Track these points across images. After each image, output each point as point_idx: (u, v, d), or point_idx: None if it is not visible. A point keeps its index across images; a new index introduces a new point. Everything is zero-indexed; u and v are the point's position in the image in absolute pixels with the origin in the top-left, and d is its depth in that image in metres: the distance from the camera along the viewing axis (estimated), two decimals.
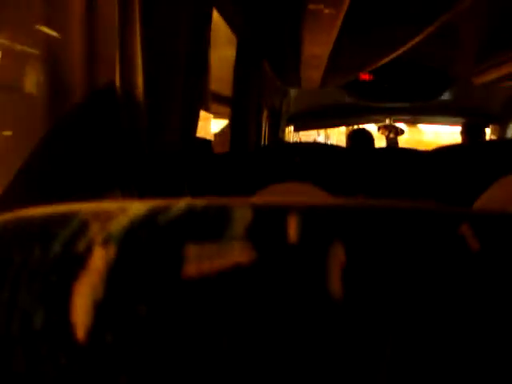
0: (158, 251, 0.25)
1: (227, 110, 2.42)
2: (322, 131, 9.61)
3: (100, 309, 0.24)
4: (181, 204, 0.27)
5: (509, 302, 0.23)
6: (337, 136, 8.96)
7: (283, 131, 4.62)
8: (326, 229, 0.24)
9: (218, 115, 2.61)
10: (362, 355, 0.22)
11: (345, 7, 1.67)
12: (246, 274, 0.23)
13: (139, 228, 0.26)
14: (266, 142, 3.78)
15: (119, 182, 1.05)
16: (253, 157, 1.29)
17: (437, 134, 7.54)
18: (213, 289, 0.23)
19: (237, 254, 0.23)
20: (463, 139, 3.47)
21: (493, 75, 3.30)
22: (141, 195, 1.06)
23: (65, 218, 0.27)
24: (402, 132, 4.69)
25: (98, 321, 0.24)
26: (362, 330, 0.22)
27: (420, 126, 7.67)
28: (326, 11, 1.68)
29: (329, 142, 8.24)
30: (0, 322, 0.24)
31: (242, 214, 0.26)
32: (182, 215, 0.26)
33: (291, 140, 5.62)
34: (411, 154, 2.22)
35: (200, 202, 0.27)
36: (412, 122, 5.91)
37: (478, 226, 0.25)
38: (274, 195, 1.18)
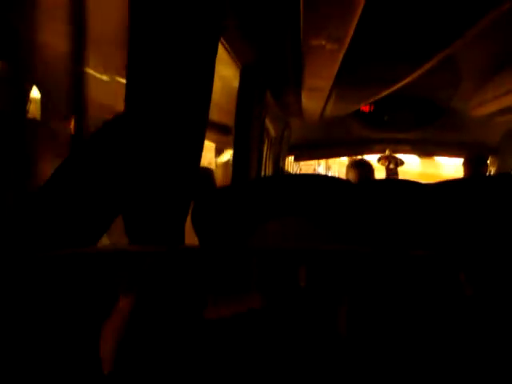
0: (182, 297, 0.26)
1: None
2: (322, 162, 9.62)
3: (123, 346, 0.25)
4: (198, 251, 0.29)
5: (500, 338, 0.24)
6: (338, 167, 8.91)
7: (284, 161, 4.65)
8: (331, 276, 0.26)
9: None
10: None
11: (346, 43, 1.70)
12: (260, 317, 0.25)
13: (161, 274, 0.27)
14: (267, 172, 3.80)
15: (123, 212, 1.06)
16: (252, 190, 1.30)
17: (457, 167, 6.24)
18: (230, 330, 0.25)
19: (250, 300, 0.25)
20: (465, 171, 3.48)
21: (491, 108, 3.33)
22: (145, 227, 1.07)
23: (97, 259, 0.29)
24: (401, 163, 4.72)
25: (121, 358, 0.25)
26: (363, 363, 0.24)
27: (437, 158, 7.16)
28: (328, 46, 1.72)
29: (329, 173, 8.22)
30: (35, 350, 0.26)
31: (254, 262, 0.27)
32: (200, 265, 0.28)
33: (292, 170, 5.65)
34: (411, 185, 2.23)
35: (215, 249, 0.29)
36: (427, 155, 5.72)
37: (473, 273, 0.27)
38: (275, 232, 1.19)
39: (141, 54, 1.03)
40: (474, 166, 3.43)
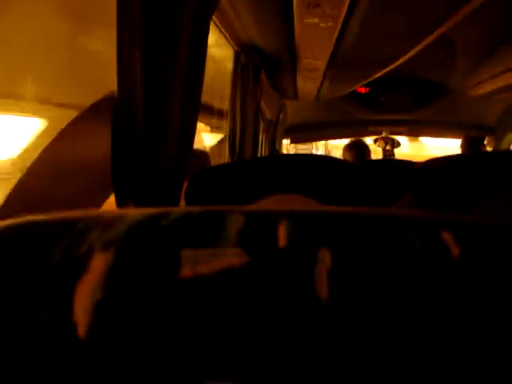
0: (156, 255, 0.26)
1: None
2: (320, 145, 9.59)
3: (99, 308, 0.25)
4: (177, 211, 0.28)
5: (486, 308, 0.24)
6: (338, 152, 8.88)
7: (280, 143, 4.64)
8: (313, 234, 0.26)
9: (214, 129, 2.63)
10: (346, 351, 0.23)
11: (340, 21, 1.69)
12: (238, 275, 0.24)
13: (137, 234, 0.27)
14: (263, 154, 3.80)
15: (116, 190, 1.06)
16: (249, 168, 1.30)
17: (442, 149, 6.58)
18: (207, 288, 0.24)
19: (229, 257, 0.25)
20: (463, 152, 3.49)
21: (488, 87, 3.32)
22: (137, 205, 1.06)
23: (67, 225, 0.29)
24: (398, 144, 4.71)
25: (97, 320, 0.25)
26: (345, 330, 0.23)
27: (423, 139, 7.19)
28: (322, 25, 1.70)
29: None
30: (6, 321, 0.25)
31: (234, 220, 0.27)
32: (179, 221, 0.27)
33: (290, 152, 5.64)
34: (407, 164, 2.23)
35: (195, 210, 0.28)
36: (414, 136, 5.82)
37: (460, 234, 0.26)
38: (268, 205, 1.19)
39: (130, 34, 1.02)
40: (471, 147, 3.44)
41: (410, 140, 7.19)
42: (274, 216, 0.27)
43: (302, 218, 0.27)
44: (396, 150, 4.77)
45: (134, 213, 0.29)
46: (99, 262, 0.26)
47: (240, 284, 0.24)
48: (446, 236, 0.26)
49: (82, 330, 0.25)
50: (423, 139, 7.04)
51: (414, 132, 5.14)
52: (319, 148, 9.59)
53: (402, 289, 0.24)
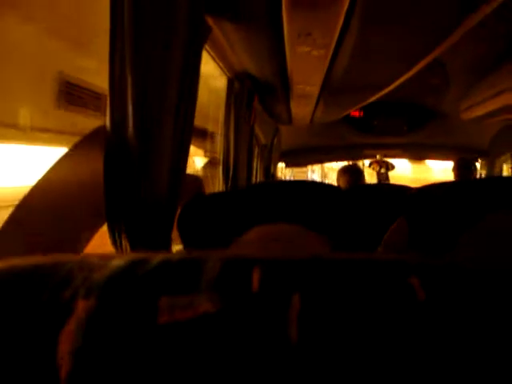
0: (135, 302, 0.26)
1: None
2: (316, 168, 9.61)
3: (79, 354, 0.25)
4: (158, 257, 0.29)
5: (449, 346, 0.24)
6: (335, 175, 8.84)
7: (275, 167, 4.66)
8: (284, 280, 0.26)
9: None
10: None
11: (331, 48, 1.71)
12: (214, 320, 0.25)
13: (118, 280, 0.28)
14: (258, 179, 3.81)
15: (109, 219, 1.06)
16: (240, 196, 1.31)
17: (447, 172, 5.87)
18: (184, 333, 0.24)
19: (204, 303, 0.25)
20: (455, 175, 3.51)
21: (480, 110, 3.35)
22: (130, 232, 1.06)
23: (53, 269, 0.29)
24: (392, 167, 4.74)
25: (76, 364, 0.25)
26: (313, 370, 0.24)
27: (428, 162, 6.98)
28: (314, 53, 1.72)
29: (326, 181, 8.20)
30: None
31: (211, 266, 0.28)
32: (158, 269, 0.28)
33: (285, 177, 5.66)
34: (400, 190, 2.24)
35: (175, 256, 0.29)
36: (408, 158, 5.77)
37: (425, 278, 0.27)
38: (260, 237, 1.19)
39: (122, 63, 1.03)
40: (463, 170, 3.46)
41: (414, 162, 7.08)
42: (248, 262, 0.28)
43: (274, 265, 0.28)
44: (399, 174, 4.78)
45: (117, 258, 0.30)
46: (81, 309, 0.26)
47: (215, 328, 0.25)
48: (413, 280, 0.27)
49: (63, 373, 0.25)
50: (429, 161, 6.87)
51: (408, 155, 5.16)
52: (315, 171, 9.62)
53: (367, 329, 0.25)
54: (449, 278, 0.28)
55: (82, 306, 0.26)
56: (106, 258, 0.30)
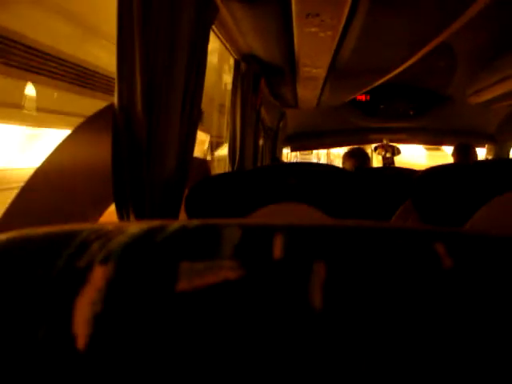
0: (154, 268, 0.26)
1: None
2: (322, 155, 9.55)
3: (99, 320, 0.25)
4: (175, 224, 0.29)
5: (477, 317, 0.24)
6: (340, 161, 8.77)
7: (280, 152, 4.65)
8: (308, 247, 0.26)
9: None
10: (340, 361, 0.23)
11: (339, 30, 1.70)
12: (234, 288, 0.25)
13: (136, 246, 0.27)
14: (264, 163, 3.80)
15: (117, 199, 1.06)
16: (248, 177, 1.30)
17: None
18: (203, 301, 0.24)
19: (225, 270, 0.25)
20: (455, 160, 3.49)
21: (487, 95, 3.33)
22: (138, 213, 1.07)
23: (68, 238, 0.29)
24: (398, 152, 4.71)
25: (96, 331, 0.25)
26: (338, 340, 0.23)
27: (446, 148, 6.74)
28: (321, 34, 1.71)
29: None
30: (6, 332, 0.25)
31: (231, 233, 0.27)
32: (177, 234, 0.28)
33: (292, 161, 5.65)
34: (406, 172, 2.24)
35: (193, 223, 0.29)
36: (424, 143, 5.61)
37: (451, 245, 0.26)
38: (268, 216, 1.19)
39: (130, 44, 1.02)
40: (461, 155, 3.44)
41: (429, 149, 6.84)
42: (269, 229, 0.28)
43: (297, 231, 0.28)
44: (412, 162, 4.73)
45: (133, 226, 0.29)
46: (99, 275, 0.26)
47: (236, 296, 0.25)
48: (439, 247, 0.26)
49: (81, 341, 0.25)
50: (446, 148, 6.73)
51: (414, 139, 5.14)
52: (321, 157, 9.57)
53: (394, 299, 0.24)
54: (477, 245, 0.27)
55: (99, 271, 0.26)
56: (122, 225, 0.30)
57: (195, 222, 0.29)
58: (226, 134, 2.58)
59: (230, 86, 2.33)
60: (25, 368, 0.25)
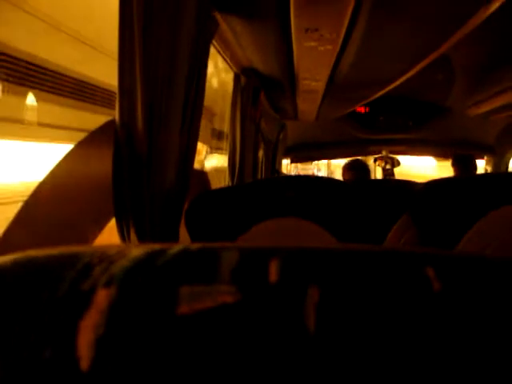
0: (155, 291, 0.27)
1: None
2: (322, 166, 9.55)
3: (101, 343, 0.25)
4: (176, 247, 0.29)
5: (464, 338, 0.25)
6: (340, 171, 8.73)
7: (280, 163, 4.66)
8: (302, 271, 0.27)
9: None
10: (332, 381, 0.24)
11: (338, 44, 1.71)
12: (232, 311, 0.25)
13: (138, 270, 0.28)
14: (263, 175, 3.81)
15: (117, 213, 1.06)
16: (247, 191, 1.31)
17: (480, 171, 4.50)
18: (203, 324, 0.25)
19: (223, 294, 0.26)
20: (455, 171, 3.50)
21: (486, 107, 3.34)
22: (138, 228, 1.07)
23: (71, 260, 0.29)
24: (398, 163, 4.72)
25: (99, 354, 0.25)
26: (331, 361, 0.24)
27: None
28: (322, 48, 1.72)
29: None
30: (12, 354, 0.26)
31: (229, 257, 0.28)
32: (177, 258, 0.28)
33: (291, 173, 5.66)
34: (406, 185, 2.25)
35: (193, 246, 0.29)
36: (423, 155, 5.56)
37: (440, 268, 0.27)
38: (266, 232, 1.19)
39: (131, 59, 1.03)
40: (459, 165, 3.45)
41: (440, 160, 6.76)
42: (266, 253, 0.29)
43: (292, 255, 0.28)
44: (420, 173, 4.71)
45: (135, 249, 0.30)
46: (102, 298, 0.27)
47: (233, 320, 0.25)
48: (429, 271, 0.27)
49: (84, 363, 0.25)
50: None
51: (413, 151, 5.15)
52: (321, 169, 9.57)
53: (385, 321, 0.25)
54: (464, 269, 0.28)
55: (103, 295, 0.27)
56: (124, 249, 0.30)
57: (195, 245, 0.30)
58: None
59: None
60: None
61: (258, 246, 0.30)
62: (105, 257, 0.29)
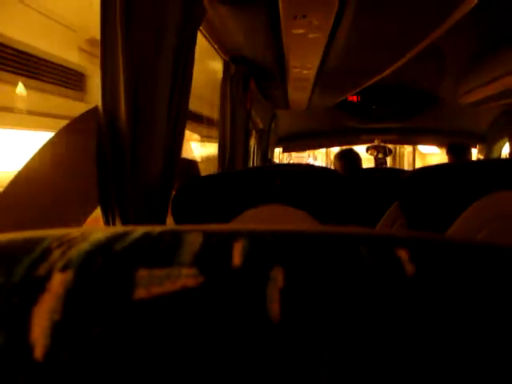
0: (112, 275, 0.26)
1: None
2: (318, 154, 9.48)
3: (57, 330, 0.25)
4: (139, 231, 0.28)
5: (439, 325, 0.24)
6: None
7: (272, 152, 4.65)
8: (267, 254, 0.26)
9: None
10: (296, 371, 0.23)
11: (327, 31, 1.70)
12: (193, 296, 0.24)
13: (96, 254, 0.27)
14: (255, 164, 3.81)
15: (102, 201, 1.06)
16: (236, 178, 1.30)
17: None
18: (162, 308, 0.24)
19: (184, 278, 0.25)
20: (449, 159, 3.51)
21: (478, 95, 3.34)
22: (123, 216, 1.06)
23: (29, 245, 0.29)
24: (390, 152, 4.73)
25: (55, 341, 0.25)
26: (296, 351, 0.23)
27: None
28: (310, 35, 1.71)
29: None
30: None
31: (192, 239, 0.27)
32: (137, 242, 0.28)
33: (284, 161, 5.66)
34: (397, 173, 2.24)
35: (156, 229, 0.28)
36: (415, 143, 5.48)
37: (415, 251, 0.26)
38: (253, 219, 1.19)
39: (114, 44, 1.02)
40: (454, 154, 3.46)
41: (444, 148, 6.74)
42: (230, 235, 0.28)
43: (257, 238, 0.27)
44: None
45: (98, 232, 0.29)
46: (58, 282, 0.26)
47: (194, 304, 0.24)
48: (401, 253, 0.26)
49: (39, 351, 0.24)
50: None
51: (406, 140, 5.16)
52: (317, 157, 9.50)
53: (354, 306, 0.24)
54: (442, 252, 0.27)
55: (58, 279, 0.26)
56: (86, 232, 0.30)
57: (159, 228, 0.29)
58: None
59: None
60: None
61: (224, 228, 0.29)
62: (65, 240, 0.28)
